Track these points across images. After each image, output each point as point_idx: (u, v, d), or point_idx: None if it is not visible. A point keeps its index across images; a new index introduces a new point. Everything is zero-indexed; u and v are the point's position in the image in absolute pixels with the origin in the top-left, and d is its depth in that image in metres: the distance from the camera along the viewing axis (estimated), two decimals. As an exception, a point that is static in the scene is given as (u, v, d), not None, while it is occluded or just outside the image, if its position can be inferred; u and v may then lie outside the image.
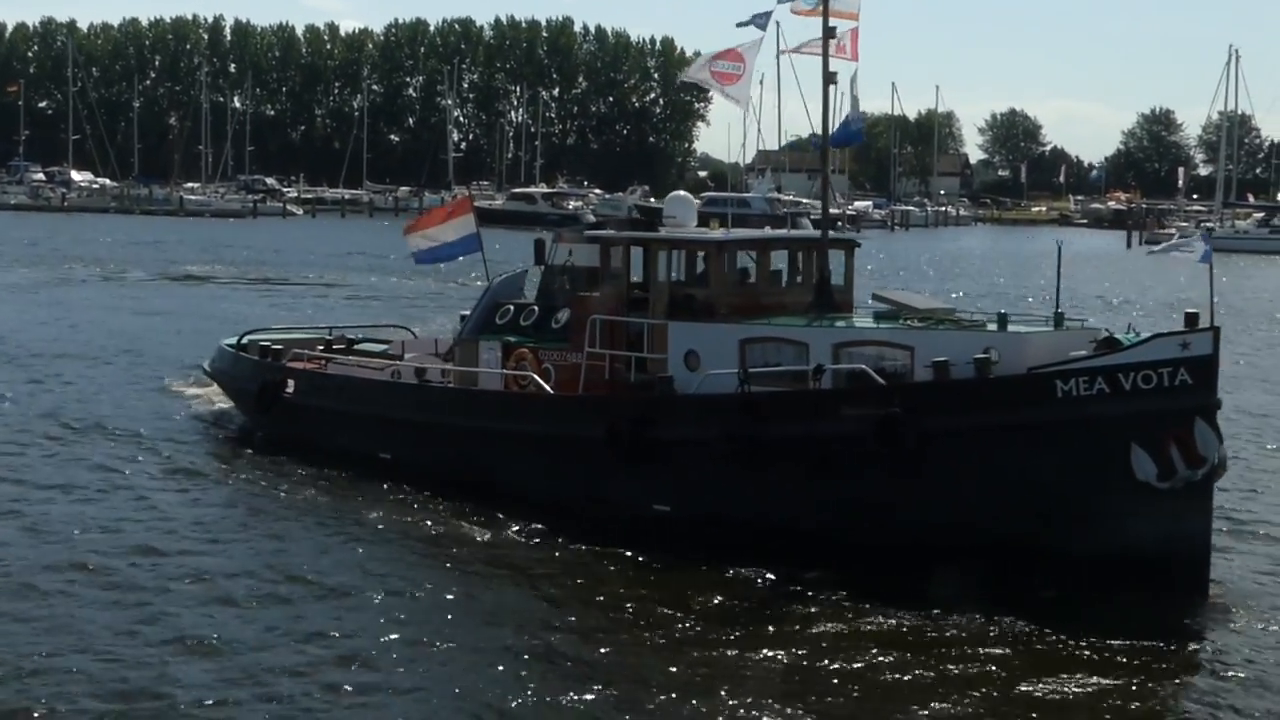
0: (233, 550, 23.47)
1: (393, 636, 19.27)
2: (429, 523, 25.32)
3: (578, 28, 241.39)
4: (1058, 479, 21.71)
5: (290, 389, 31.21)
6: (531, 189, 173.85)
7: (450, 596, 21.21)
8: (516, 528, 24.77)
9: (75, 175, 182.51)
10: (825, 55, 27.19)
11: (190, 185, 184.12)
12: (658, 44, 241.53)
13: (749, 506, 23.66)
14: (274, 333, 36.86)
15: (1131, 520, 21.41)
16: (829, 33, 27.14)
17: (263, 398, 31.46)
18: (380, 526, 25.05)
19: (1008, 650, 19.27)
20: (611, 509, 24.90)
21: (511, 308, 29.43)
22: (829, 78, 27.33)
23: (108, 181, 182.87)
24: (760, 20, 27.79)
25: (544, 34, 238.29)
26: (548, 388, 26.90)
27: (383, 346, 34.42)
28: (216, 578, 21.79)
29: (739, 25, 27.98)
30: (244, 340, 34.89)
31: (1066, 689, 18.00)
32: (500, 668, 18.36)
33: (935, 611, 20.44)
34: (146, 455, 30.42)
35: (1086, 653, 19.17)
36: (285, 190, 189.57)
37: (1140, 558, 21.15)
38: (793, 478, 23.17)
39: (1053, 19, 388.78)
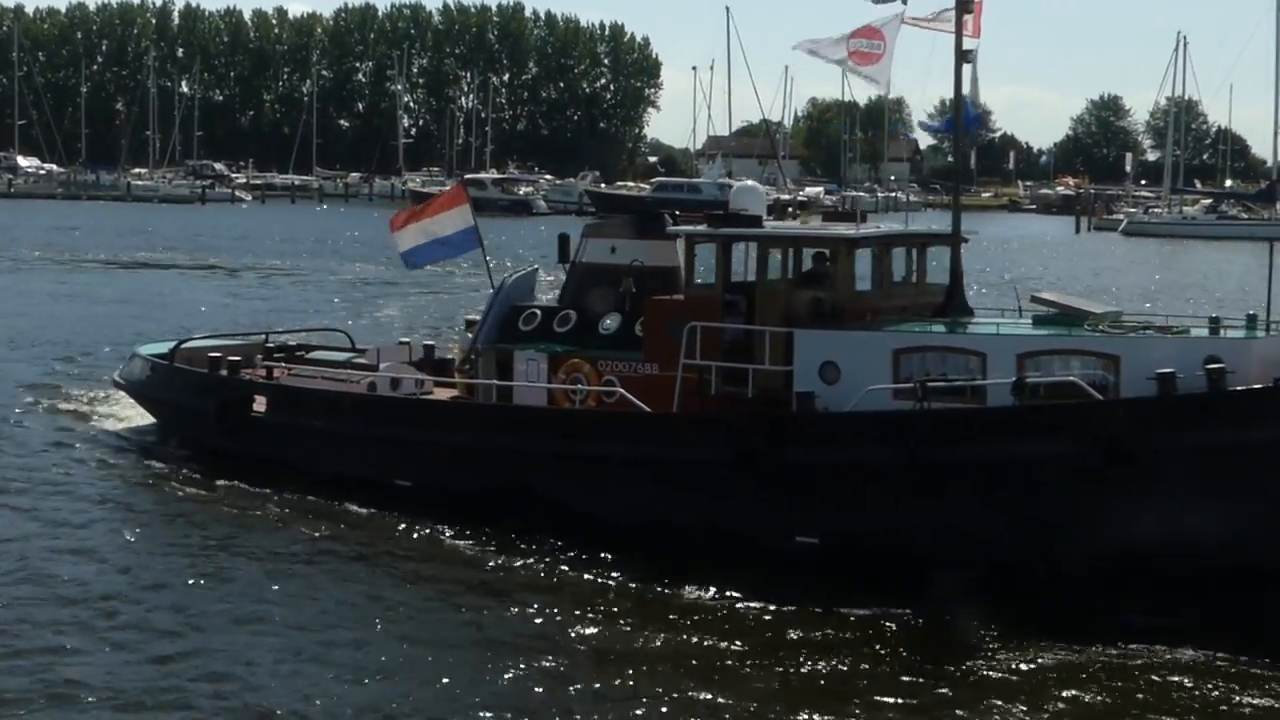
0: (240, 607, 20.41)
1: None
2: (495, 564, 22.55)
3: (528, 13, 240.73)
4: None
5: (260, 406, 28.05)
6: (482, 175, 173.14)
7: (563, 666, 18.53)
8: (613, 565, 22.05)
9: (21, 161, 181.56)
10: (959, 31, 25.23)
11: (138, 171, 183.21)
12: (608, 30, 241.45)
13: (924, 537, 21.33)
14: (199, 340, 33.05)
15: None
16: (963, 5, 25.15)
17: (225, 416, 28.00)
18: (428, 573, 22.10)
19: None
20: (739, 541, 22.24)
21: (538, 312, 26.85)
22: (963, 55, 25.36)
23: (54, 167, 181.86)
24: None
25: (494, 19, 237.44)
26: (642, 404, 23.94)
27: (345, 355, 31.26)
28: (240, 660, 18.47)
29: (876, 1, 25.81)
30: (176, 348, 30.89)
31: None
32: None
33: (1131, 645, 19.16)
34: (67, 482, 27.41)
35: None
36: (234, 176, 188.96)
37: None
38: (986, 504, 21.05)
39: (1001, 5, 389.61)
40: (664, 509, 23.08)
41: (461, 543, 23.55)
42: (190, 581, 21.53)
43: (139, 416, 32.21)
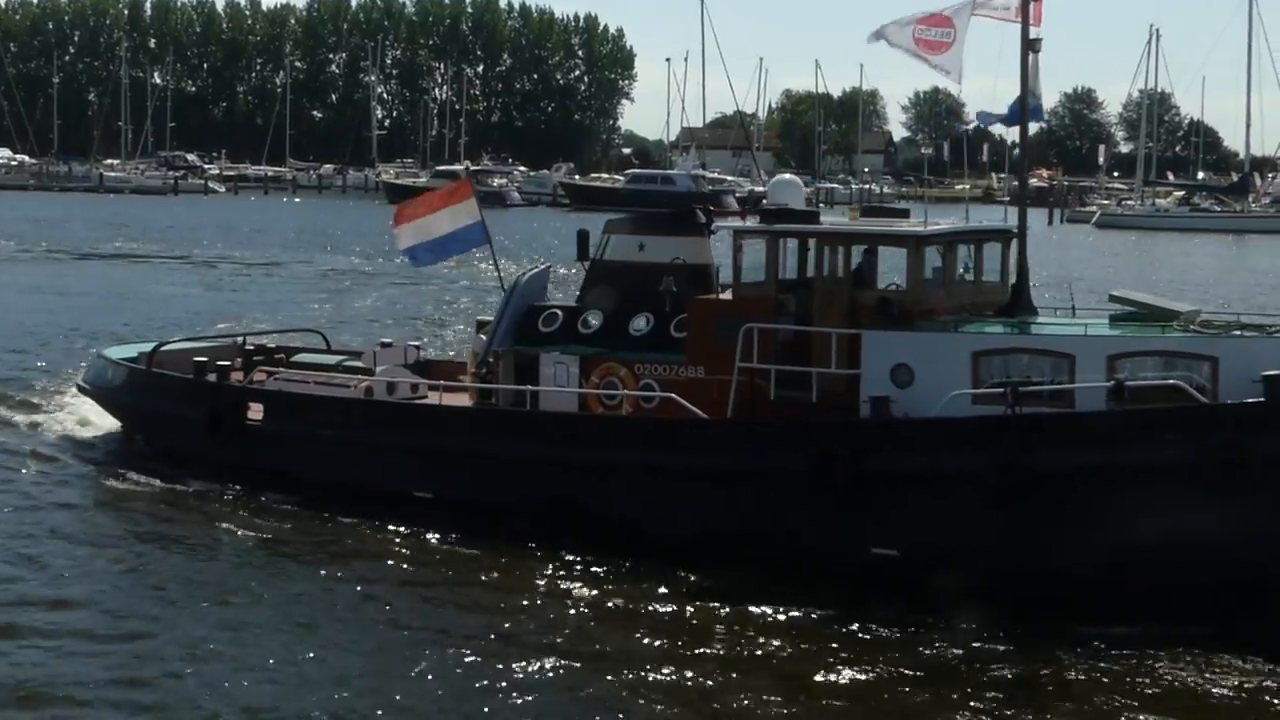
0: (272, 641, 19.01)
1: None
2: (548, 581, 21.35)
3: (502, 4, 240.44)
4: None
5: (256, 414, 26.50)
6: (456, 166, 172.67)
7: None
8: (661, 581, 21.00)
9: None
10: (1025, 19, 24.58)
11: (110, 162, 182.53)
12: (582, 21, 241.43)
13: (1015, 548, 20.34)
14: (176, 343, 31.42)
15: None
16: None
17: (218, 425, 26.42)
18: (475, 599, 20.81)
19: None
20: (809, 552, 21.26)
21: (558, 312, 25.63)
22: (1029, 44, 24.50)
23: (26, 159, 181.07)
24: None
25: (468, 10, 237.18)
26: (697, 410, 22.64)
27: (337, 358, 29.80)
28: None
29: None
30: (155, 352, 29.12)
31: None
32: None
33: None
34: (30, 497, 25.89)
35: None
36: (207, 167, 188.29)
37: None
38: (1086, 513, 20.11)
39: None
40: (728, 520, 21.92)
41: (496, 558, 22.35)
42: (201, 605, 20.24)
43: (103, 422, 30.60)
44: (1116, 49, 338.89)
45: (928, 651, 18.83)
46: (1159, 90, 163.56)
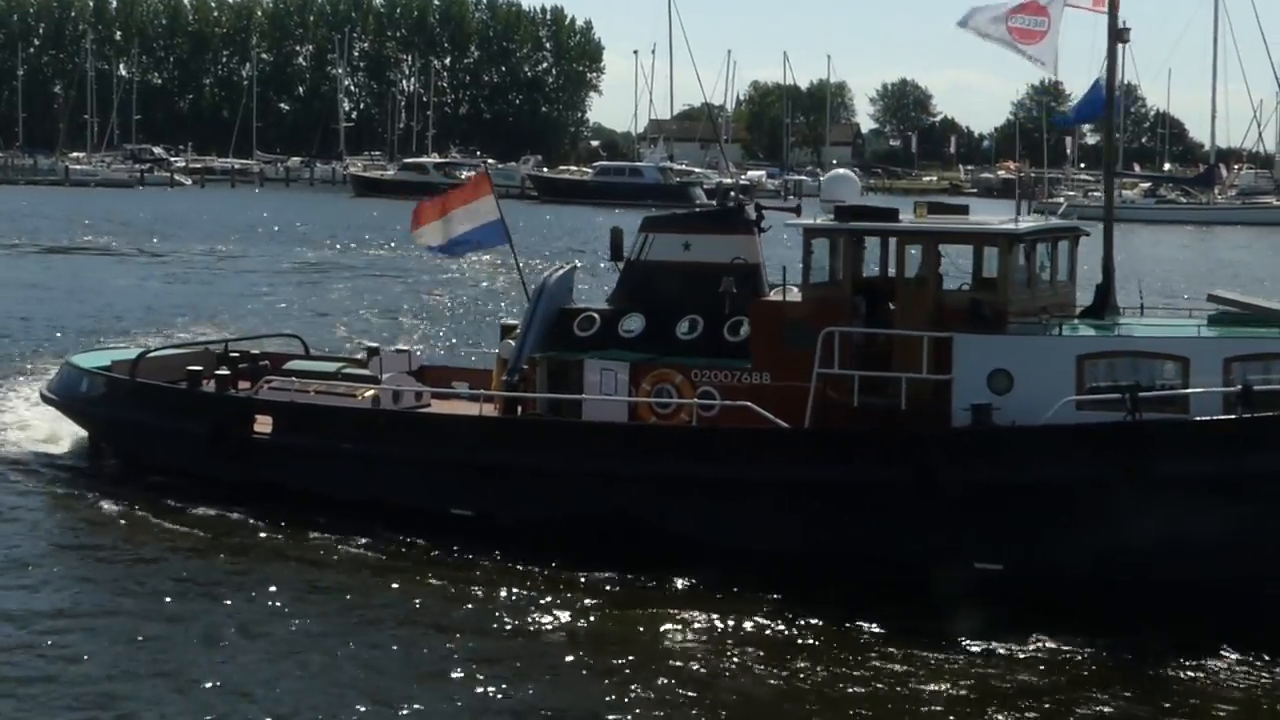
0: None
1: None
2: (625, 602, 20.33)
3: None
4: None
5: (264, 426, 24.86)
6: (424, 159, 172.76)
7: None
8: (755, 605, 20.02)
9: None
10: (1113, 10, 23.93)
11: (76, 155, 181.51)
12: (549, 13, 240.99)
13: (1133, 561, 19.49)
14: (158, 351, 29.45)
15: None
16: None
17: (221, 439, 24.76)
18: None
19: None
20: (905, 567, 20.19)
21: (595, 315, 24.29)
22: (1117, 34, 23.82)
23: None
24: None
25: (435, 3, 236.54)
26: (778, 420, 21.44)
27: (336, 365, 27.75)
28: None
29: None
30: (139, 360, 27.26)
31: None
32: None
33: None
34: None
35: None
36: (173, 160, 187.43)
37: None
38: (1217, 522, 19.15)
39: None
40: (815, 535, 20.93)
41: (554, 578, 21.14)
42: (220, 640, 18.89)
43: (68, 434, 28.89)
44: (1084, 41, 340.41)
45: (927, 655, 18.65)
46: (1126, 83, 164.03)
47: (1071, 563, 19.73)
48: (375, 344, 30.33)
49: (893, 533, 20.45)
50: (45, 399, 28.96)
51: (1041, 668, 18.33)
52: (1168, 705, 17.35)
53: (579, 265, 27.50)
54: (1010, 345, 20.86)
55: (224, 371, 26.49)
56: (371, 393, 25.03)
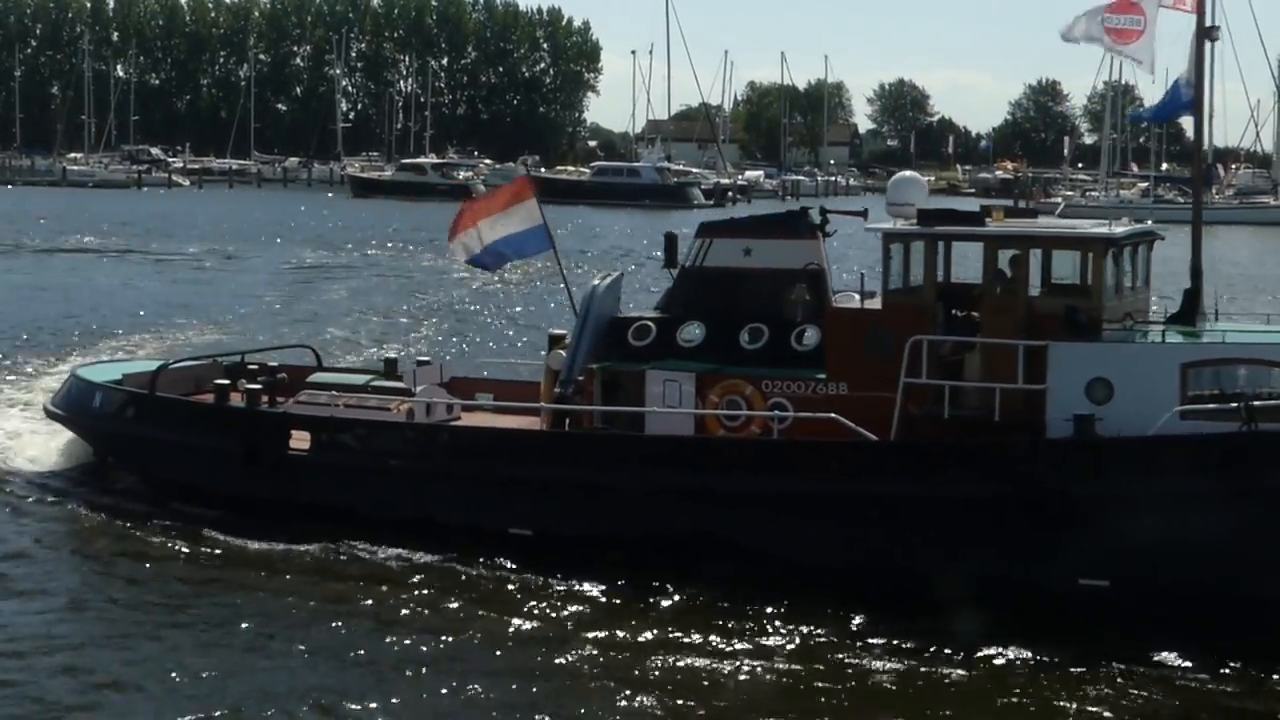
0: None
1: None
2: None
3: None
4: None
5: (302, 442, 23.63)
6: (421, 159, 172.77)
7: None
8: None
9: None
10: (1200, 9, 23.65)
11: (74, 155, 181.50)
12: (546, 14, 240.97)
13: (1250, 577, 19.02)
14: (180, 364, 27.85)
15: None
16: None
17: (257, 457, 23.63)
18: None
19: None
20: (1009, 586, 19.52)
21: (650, 324, 23.28)
22: (1205, 32, 23.59)
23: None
24: None
25: (433, 3, 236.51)
26: (866, 433, 20.66)
27: (364, 378, 26.23)
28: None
29: None
30: (158, 374, 25.93)
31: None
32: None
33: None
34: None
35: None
36: (171, 161, 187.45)
37: None
38: None
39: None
40: (908, 551, 20.21)
41: (632, 602, 20.28)
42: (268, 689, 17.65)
43: (76, 451, 27.47)
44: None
45: (929, 660, 18.53)
46: (1123, 82, 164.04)
47: (1179, 580, 19.09)
48: (393, 354, 29.04)
49: (993, 549, 19.78)
50: (51, 415, 27.37)
51: (1146, 689, 17.86)
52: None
53: (623, 272, 26.23)
54: (1109, 353, 20.22)
55: (254, 385, 25.12)
56: (406, 406, 24.00)
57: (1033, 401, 20.27)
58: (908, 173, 24.91)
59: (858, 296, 22.56)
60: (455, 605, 20.36)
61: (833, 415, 20.86)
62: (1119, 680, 17.83)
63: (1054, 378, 20.07)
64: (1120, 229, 21.57)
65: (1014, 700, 17.50)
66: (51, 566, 22.22)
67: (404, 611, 20.13)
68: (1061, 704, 17.33)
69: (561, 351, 23.82)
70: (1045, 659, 18.41)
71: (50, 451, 27.79)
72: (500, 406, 25.30)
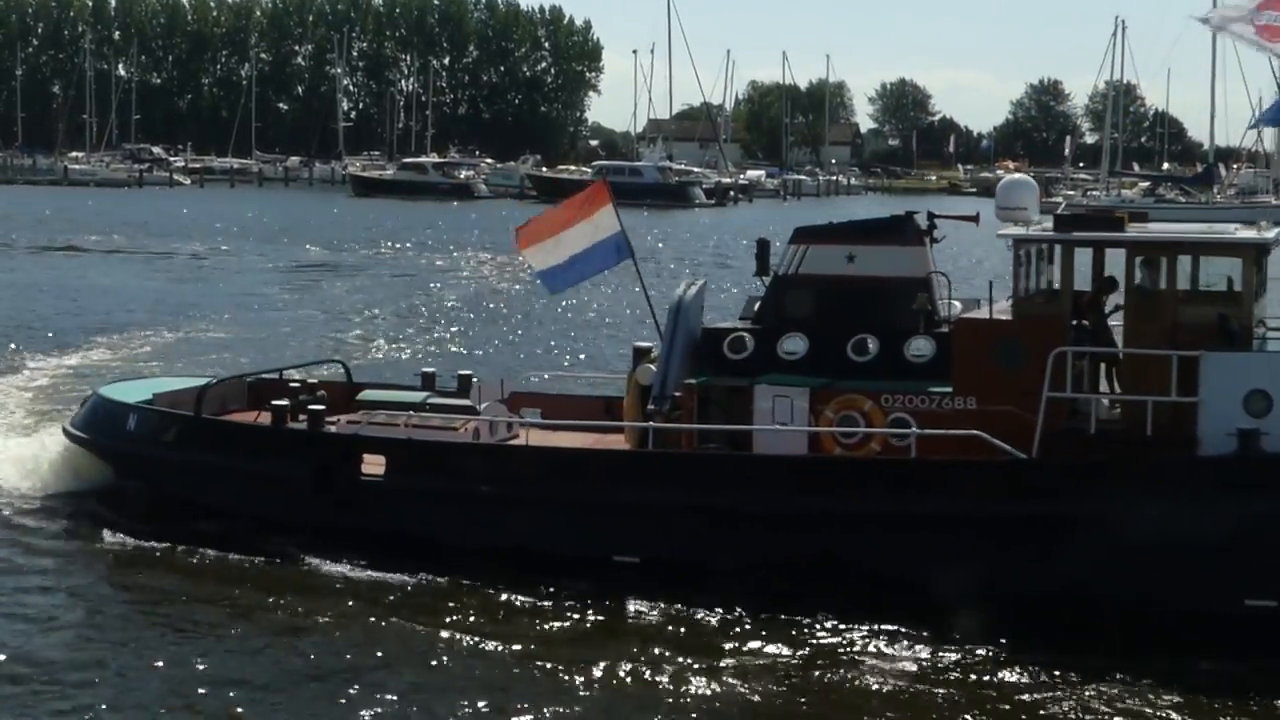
0: None
1: None
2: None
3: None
4: None
5: (376, 467, 21.89)
6: (423, 159, 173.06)
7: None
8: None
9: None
10: None
11: (75, 155, 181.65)
12: (548, 13, 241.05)
13: None
14: (221, 383, 25.48)
15: None
16: None
17: (326, 483, 21.77)
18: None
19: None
20: (1166, 608, 18.71)
21: (745, 336, 21.85)
22: None
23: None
24: None
25: (434, 2, 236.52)
26: (1013, 450, 19.44)
27: (421, 396, 24.29)
28: None
29: None
30: (204, 394, 23.83)
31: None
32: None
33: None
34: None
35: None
36: (172, 160, 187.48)
37: None
38: None
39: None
40: (1059, 574, 19.04)
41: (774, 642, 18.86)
42: None
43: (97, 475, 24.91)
44: (1082, 40, 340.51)
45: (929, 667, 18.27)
46: (1124, 81, 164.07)
47: None
48: (431, 369, 27.12)
49: (1151, 570, 18.80)
50: (73, 438, 24.97)
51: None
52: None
53: (705, 281, 24.48)
54: (1269, 363, 19.27)
55: (318, 405, 23.07)
56: (473, 425, 22.44)
57: (1181, 414, 19.23)
58: (1018, 175, 23.77)
59: (957, 304, 21.91)
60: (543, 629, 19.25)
61: (978, 433, 19.58)
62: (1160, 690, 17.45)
63: (1207, 390, 19.00)
64: (1270, 233, 20.60)
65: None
66: (65, 596, 20.63)
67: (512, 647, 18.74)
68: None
69: (651, 366, 22.36)
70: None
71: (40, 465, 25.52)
72: (589, 425, 23.49)
